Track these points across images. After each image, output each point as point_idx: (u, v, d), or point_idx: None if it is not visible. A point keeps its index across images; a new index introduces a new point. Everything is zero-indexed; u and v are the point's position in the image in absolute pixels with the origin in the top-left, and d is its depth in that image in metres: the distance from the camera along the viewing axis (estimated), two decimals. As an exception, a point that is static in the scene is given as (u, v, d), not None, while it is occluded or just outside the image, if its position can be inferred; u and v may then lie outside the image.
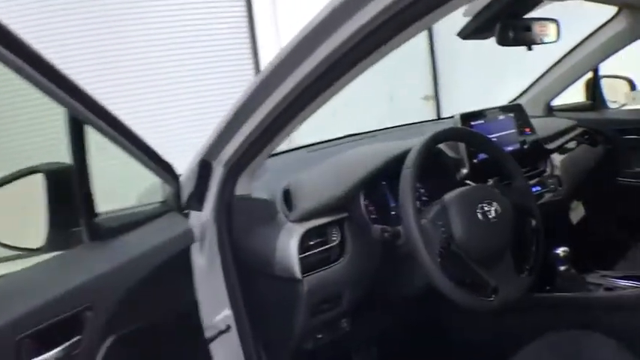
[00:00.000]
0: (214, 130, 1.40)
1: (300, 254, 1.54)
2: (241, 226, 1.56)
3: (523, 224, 1.74)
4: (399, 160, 1.58)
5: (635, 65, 2.80)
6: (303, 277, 1.54)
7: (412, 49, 5.57)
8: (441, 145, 1.87)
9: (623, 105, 2.76)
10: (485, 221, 1.56)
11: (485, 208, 1.57)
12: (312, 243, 1.59)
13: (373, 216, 1.74)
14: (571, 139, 2.50)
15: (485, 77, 5.01)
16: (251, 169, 1.52)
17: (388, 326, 2.13)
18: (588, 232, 2.61)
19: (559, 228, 2.24)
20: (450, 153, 1.92)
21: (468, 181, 1.91)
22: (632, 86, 2.75)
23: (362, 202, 1.67)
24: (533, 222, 1.74)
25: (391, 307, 2.00)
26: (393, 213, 1.78)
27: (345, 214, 1.66)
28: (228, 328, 1.53)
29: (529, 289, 1.66)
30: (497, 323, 1.98)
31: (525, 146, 2.16)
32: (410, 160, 1.53)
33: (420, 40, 5.60)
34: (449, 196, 1.59)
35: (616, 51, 2.44)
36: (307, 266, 1.56)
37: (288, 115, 1.29)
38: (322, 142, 2.24)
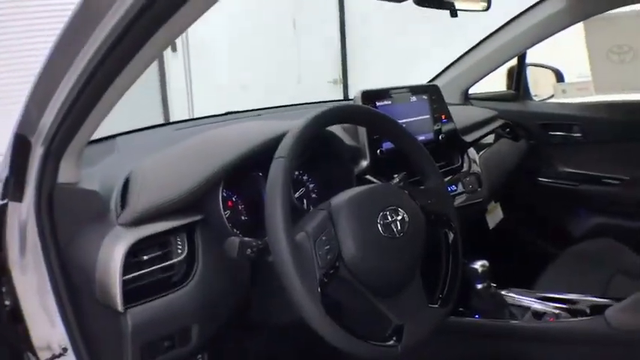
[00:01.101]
0: (29, 92, 1.05)
1: (124, 275, 1.08)
2: (66, 227, 1.14)
3: (436, 238, 1.32)
4: (278, 143, 1.12)
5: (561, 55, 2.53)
6: (127, 308, 1.09)
7: (323, 31, 5.19)
8: (337, 131, 1.42)
9: (549, 98, 2.45)
10: (389, 236, 1.13)
11: (389, 218, 1.14)
12: (146, 258, 1.14)
13: (244, 217, 1.29)
14: (490, 132, 2.15)
15: (399, 62, 4.69)
16: (75, 148, 1.11)
17: (265, 355, 1.68)
18: (507, 239, 2.27)
19: (476, 236, 1.85)
20: (347, 140, 1.49)
21: (368, 177, 1.50)
22: (560, 77, 2.46)
23: (221, 200, 1.21)
24: (450, 235, 1.32)
25: (266, 336, 1.55)
26: None
27: (197, 217, 1.20)
28: (64, 351, 1.15)
29: (442, 323, 1.24)
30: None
31: (441, 136, 1.77)
32: (283, 148, 1.08)
33: (333, 26, 5.21)
34: (338, 199, 1.15)
35: (550, 35, 2.09)
36: (136, 292, 1.11)
37: (102, 77, 0.95)
38: (195, 119, 1.76)
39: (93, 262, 1.11)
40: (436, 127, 1.76)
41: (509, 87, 2.47)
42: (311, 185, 1.44)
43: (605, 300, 1.51)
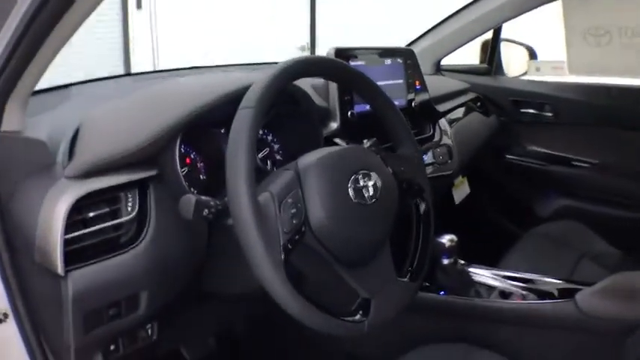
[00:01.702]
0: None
1: (67, 233, 0.96)
2: (7, 180, 1.03)
3: (407, 208, 1.23)
4: (242, 96, 1.00)
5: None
6: (68, 271, 0.97)
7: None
8: (307, 88, 1.31)
9: (522, 75, 2.38)
10: (360, 201, 1.03)
11: (361, 182, 1.04)
12: (92, 215, 1.01)
13: (202, 176, 1.19)
14: (462, 105, 2.07)
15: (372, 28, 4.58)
16: (20, 94, 1.00)
17: (220, 321, 1.57)
18: (472, 215, 2.20)
19: (442, 209, 1.77)
20: (317, 100, 1.38)
21: (337, 140, 1.39)
22: (533, 55, 2.42)
23: (178, 155, 1.08)
24: (422, 205, 1.23)
25: (222, 304, 1.44)
26: None
27: (151, 172, 1.08)
28: (5, 317, 1.06)
29: (411, 299, 1.15)
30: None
31: (414, 104, 1.67)
32: (249, 98, 0.96)
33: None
34: (307, 159, 1.04)
35: (527, 10, 2.02)
36: (79, 254, 0.99)
37: (44, 21, 0.88)
38: (157, 72, 1.62)
39: (34, 219, 0.98)
40: (409, 94, 1.66)
41: (482, 61, 2.40)
42: (276, 146, 1.33)
43: (573, 285, 1.45)
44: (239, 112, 0.95)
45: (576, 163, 2.19)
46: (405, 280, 1.14)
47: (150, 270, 1.05)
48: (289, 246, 0.93)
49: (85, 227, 1.00)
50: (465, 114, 2.10)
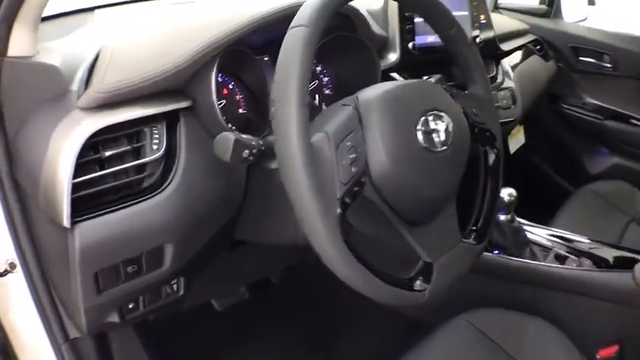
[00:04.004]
0: None
1: (77, 176, 0.76)
2: (15, 111, 0.84)
3: (474, 157, 0.98)
4: (291, 15, 0.76)
5: None
6: (75, 222, 0.76)
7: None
8: (362, 12, 1.06)
9: (582, 20, 2.08)
10: (429, 147, 0.80)
11: (431, 125, 0.81)
12: (109, 154, 0.80)
13: (241, 110, 0.96)
14: (522, 47, 1.79)
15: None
16: (29, 16, 0.81)
17: (252, 271, 1.39)
18: (524, 167, 1.97)
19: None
20: (374, 27, 1.13)
21: (394, 75, 1.16)
22: (591, 1, 2.15)
23: (214, 84, 0.85)
24: (492, 155, 0.98)
25: (255, 253, 1.24)
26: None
27: (184, 104, 0.85)
28: (12, 267, 0.91)
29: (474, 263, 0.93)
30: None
31: (479, 41, 1.40)
32: (303, 16, 0.72)
33: None
34: (369, 94, 0.81)
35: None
36: (90, 201, 0.79)
37: None
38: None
39: (40, 157, 0.78)
40: (474, 29, 1.40)
41: (541, 2, 2.10)
42: (325, 79, 1.10)
43: (631, 254, 1.26)
44: (290, 32, 0.71)
45: (634, 121, 1.93)
46: (470, 241, 0.91)
47: (177, 220, 0.84)
48: (347, 200, 0.72)
49: (101, 169, 0.79)
50: (524, 57, 1.83)
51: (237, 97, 0.98)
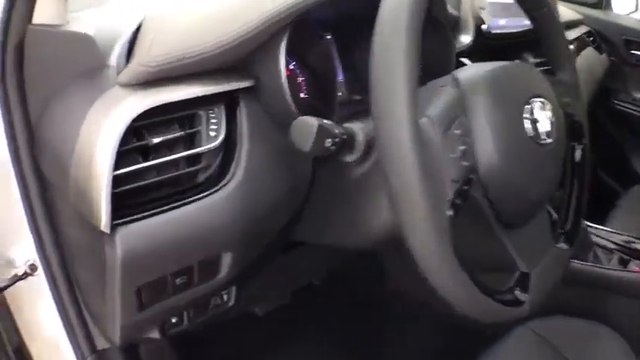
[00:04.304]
0: None
1: (118, 168, 0.61)
2: (40, 89, 0.72)
3: (566, 151, 0.87)
4: None
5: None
6: (116, 225, 0.62)
7: None
8: None
9: (633, 12, 1.97)
10: (535, 139, 0.69)
11: (536, 114, 0.69)
12: (158, 141, 0.65)
13: (303, 95, 0.84)
14: (576, 38, 1.67)
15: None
16: None
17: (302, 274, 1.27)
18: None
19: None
20: (450, 7, 1.00)
21: (464, 60, 1.03)
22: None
23: (283, 56, 0.71)
24: (578, 151, 0.87)
25: (308, 255, 1.12)
26: (342, 97, 0.85)
27: (246, 83, 0.71)
28: (32, 269, 0.77)
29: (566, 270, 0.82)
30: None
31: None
32: None
33: None
34: (470, 74, 0.69)
35: None
36: (134, 199, 0.64)
37: None
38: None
39: (71, 142, 0.64)
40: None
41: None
42: None
43: None
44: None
45: None
46: (562, 245, 0.81)
47: (238, 222, 0.70)
48: (457, 201, 0.60)
49: (145, 159, 0.65)
50: (578, 49, 1.71)
51: (299, 79, 0.84)
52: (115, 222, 0.61)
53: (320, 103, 0.84)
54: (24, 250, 0.78)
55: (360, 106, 0.82)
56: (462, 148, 0.61)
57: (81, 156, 0.62)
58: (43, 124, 0.71)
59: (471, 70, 0.70)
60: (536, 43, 1.05)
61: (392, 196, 0.56)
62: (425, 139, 0.58)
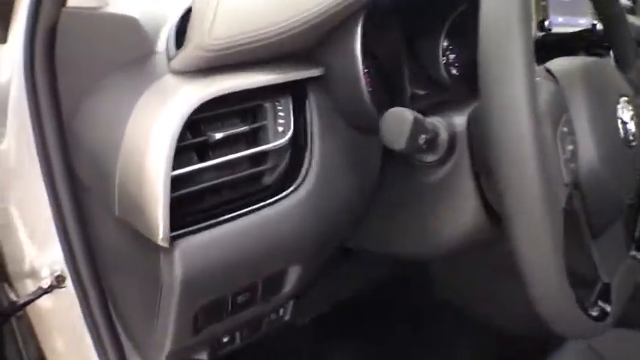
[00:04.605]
0: None
1: (174, 168, 0.51)
2: (75, 81, 0.64)
3: None
4: None
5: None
6: (174, 238, 0.52)
7: None
8: None
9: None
10: (625, 140, 0.65)
11: (624, 115, 0.65)
12: (219, 137, 0.56)
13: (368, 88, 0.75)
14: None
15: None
16: None
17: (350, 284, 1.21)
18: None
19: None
20: None
21: None
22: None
23: (359, 42, 0.62)
24: None
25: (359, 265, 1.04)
26: (414, 90, 0.78)
27: (314, 71, 0.62)
28: (60, 281, 0.69)
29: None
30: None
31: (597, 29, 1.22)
32: None
33: None
34: (564, 64, 0.65)
35: None
36: (191, 205, 0.55)
37: None
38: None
39: (116, 141, 0.55)
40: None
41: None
42: (451, 56, 0.90)
43: None
44: None
45: None
46: (635, 254, 0.76)
47: (309, 232, 0.61)
48: (567, 208, 0.55)
49: (201, 159, 0.56)
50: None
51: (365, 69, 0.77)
52: (174, 233, 0.52)
53: (385, 97, 0.76)
54: (50, 260, 0.70)
55: (427, 100, 0.75)
56: (570, 148, 0.56)
57: (129, 156, 0.53)
58: (78, 119, 0.62)
59: (563, 63, 0.65)
60: (592, 44, 0.98)
61: (504, 200, 0.48)
62: (541, 137, 0.50)
